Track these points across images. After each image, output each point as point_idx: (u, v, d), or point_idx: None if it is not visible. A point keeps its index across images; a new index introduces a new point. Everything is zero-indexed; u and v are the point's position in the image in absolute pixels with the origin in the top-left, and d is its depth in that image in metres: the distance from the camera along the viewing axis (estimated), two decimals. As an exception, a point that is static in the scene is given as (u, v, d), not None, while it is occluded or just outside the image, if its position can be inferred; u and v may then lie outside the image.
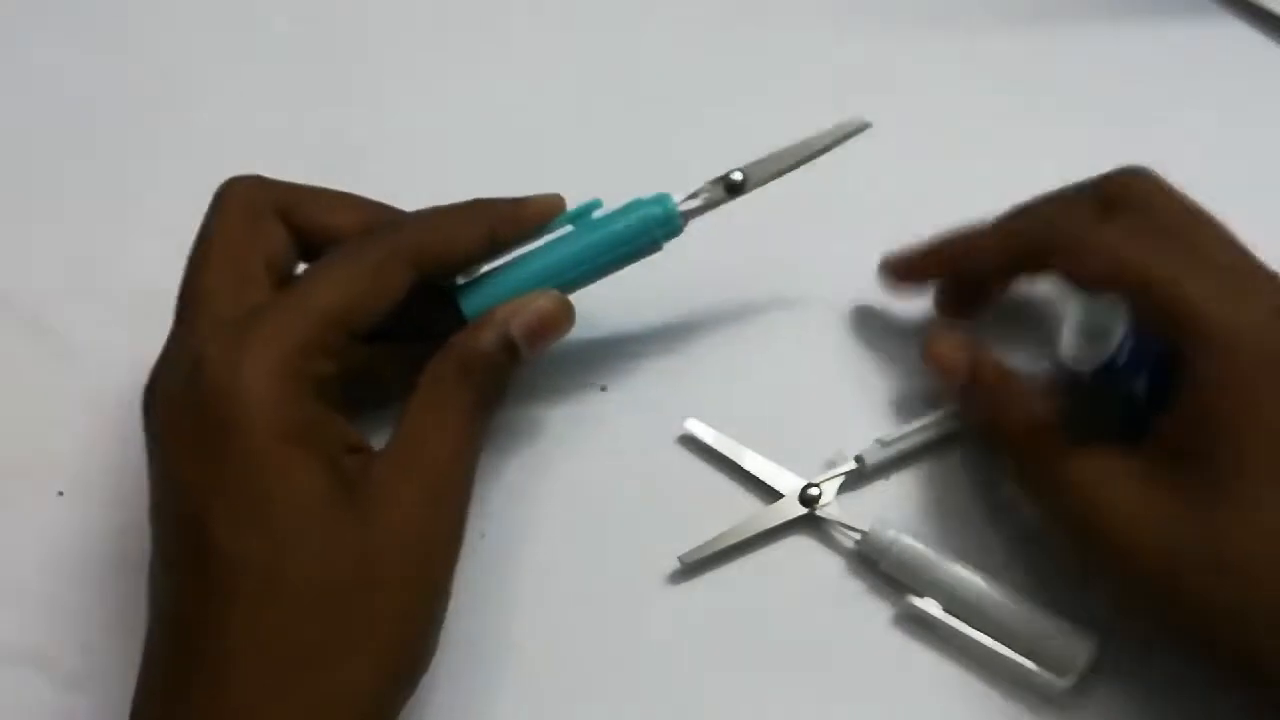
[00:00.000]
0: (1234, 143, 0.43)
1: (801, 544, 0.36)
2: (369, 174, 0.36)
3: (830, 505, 0.36)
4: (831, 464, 0.37)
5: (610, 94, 0.46)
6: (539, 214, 0.34)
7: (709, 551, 0.35)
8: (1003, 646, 0.33)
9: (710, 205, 0.35)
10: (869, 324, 0.40)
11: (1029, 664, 0.33)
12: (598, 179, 0.35)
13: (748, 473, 0.37)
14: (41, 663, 0.35)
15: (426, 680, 0.30)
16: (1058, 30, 0.47)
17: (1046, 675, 0.33)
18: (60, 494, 0.38)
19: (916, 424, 0.37)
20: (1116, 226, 0.33)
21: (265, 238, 0.32)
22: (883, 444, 0.36)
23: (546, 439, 0.38)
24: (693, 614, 0.35)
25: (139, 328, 0.34)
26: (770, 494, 0.36)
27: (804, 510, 0.36)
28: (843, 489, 0.36)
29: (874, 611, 0.35)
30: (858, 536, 0.35)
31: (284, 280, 0.33)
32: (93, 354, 0.40)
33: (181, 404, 0.29)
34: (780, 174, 0.35)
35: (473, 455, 0.32)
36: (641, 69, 0.47)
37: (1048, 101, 0.45)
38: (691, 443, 0.38)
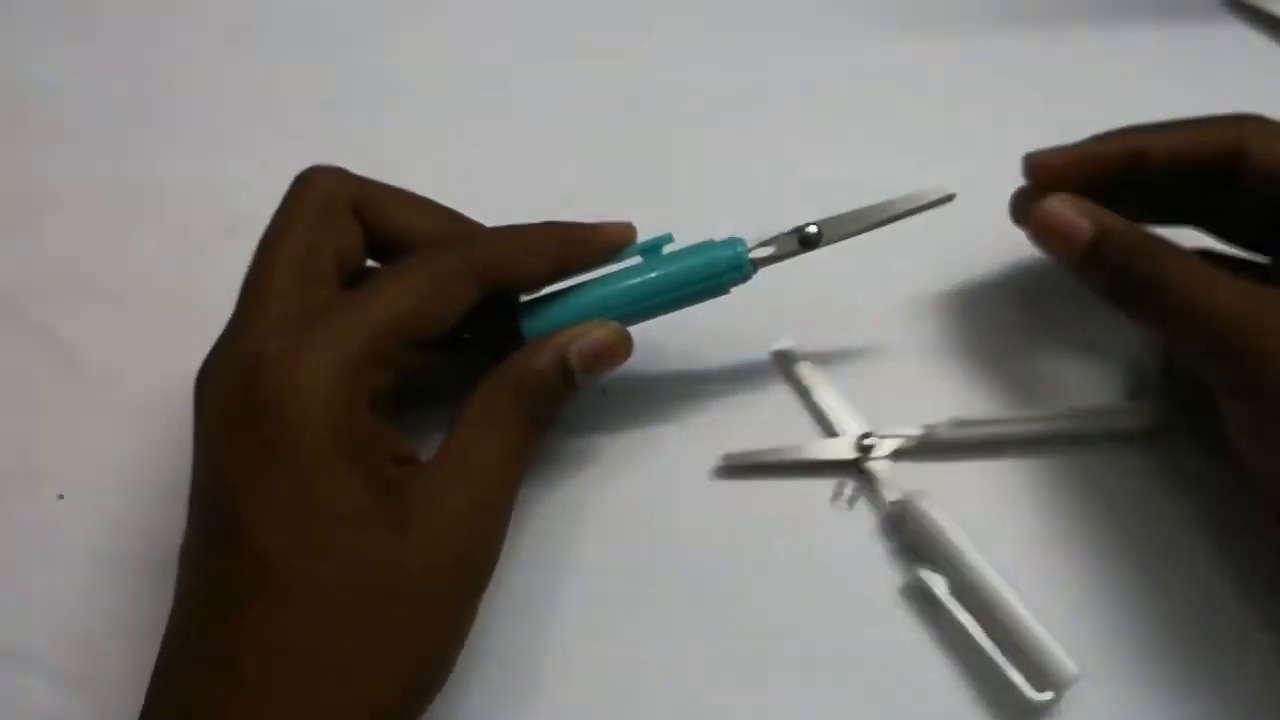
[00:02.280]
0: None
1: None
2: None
3: (881, 463, 0.37)
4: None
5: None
6: (610, 241, 0.34)
7: (751, 461, 0.37)
8: (990, 643, 0.33)
9: (782, 256, 0.34)
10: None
11: (1009, 668, 0.33)
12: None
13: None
14: (41, 665, 0.35)
15: (443, 695, 0.30)
16: (1058, 31, 0.47)
17: (1023, 685, 0.32)
18: (60, 497, 0.38)
19: (996, 418, 0.37)
20: None
21: (339, 234, 0.32)
22: (956, 424, 0.37)
23: (555, 443, 0.38)
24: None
25: (140, 331, 0.38)
26: (831, 433, 0.38)
27: (854, 455, 0.37)
28: (905, 455, 0.37)
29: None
30: (895, 497, 0.36)
31: (351, 278, 0.32)
32: (93, 358, 0.40)
33: (235, 396, 0.29)
34: (856, 233, 0.34)
35: (519, 474, 0.32)
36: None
37: (1048, 103, 0.45)
38: (779, 365, 0.39)
